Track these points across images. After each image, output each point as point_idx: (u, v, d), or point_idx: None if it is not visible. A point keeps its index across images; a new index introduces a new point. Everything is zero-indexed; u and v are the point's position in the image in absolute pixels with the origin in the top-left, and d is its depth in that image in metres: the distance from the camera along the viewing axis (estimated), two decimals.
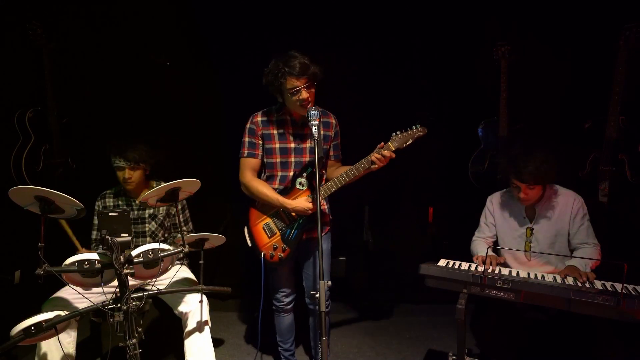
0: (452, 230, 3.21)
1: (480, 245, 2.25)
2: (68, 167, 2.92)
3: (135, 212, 2.33)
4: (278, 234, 2.05)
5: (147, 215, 2.35)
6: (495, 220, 2.26)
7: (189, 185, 1.82)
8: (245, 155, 2.05)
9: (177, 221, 2.41)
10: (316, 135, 1.74)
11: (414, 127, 1.93)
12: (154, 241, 2.36)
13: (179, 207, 2.30)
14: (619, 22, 2.48)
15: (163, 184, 2.42)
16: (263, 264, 2.06)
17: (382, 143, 1.92)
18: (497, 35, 2.83)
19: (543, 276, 1.85)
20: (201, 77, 3.14)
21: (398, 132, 1.94)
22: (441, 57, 2.98)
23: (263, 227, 2.07)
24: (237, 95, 3.12)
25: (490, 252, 2.09)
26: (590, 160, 2.67)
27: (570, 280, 1.82)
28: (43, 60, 2.72)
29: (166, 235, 2.43)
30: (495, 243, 2.29)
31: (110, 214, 1.57)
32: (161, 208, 2.36)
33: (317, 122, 1.76)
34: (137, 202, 2.35)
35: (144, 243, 2.31)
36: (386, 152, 1.89)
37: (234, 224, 3.28)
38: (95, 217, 2.35)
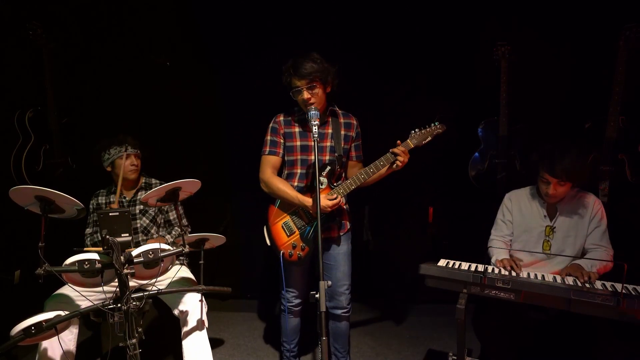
0: (452, 230, 3.21)
1: (499, 248, 2.20)
2: (68, 167, 2.92)
3: None
4: (297, 232, 2.07)
5: (137, 212, 2.37)
6: (512, 217, 2.21)
7: (189, 185, 1.82)
8: (266, 152, 2.09)
9: (176, 216, 2.42)
10: (316, 135, 1.74)
11: (432, 125, 1.96)
12: (147, 237, 2.37)
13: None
14: (619, 22, 2.48)
15: (154, 181, 2.46)
16: (282, 262, 2.07)
17: (399, 141, 1.94)
18: (497, 35, 2.83)
19: (543, 276, 1.85)
20: (201, 77, 3.14)
21: (417, 130, 1.95)
22: (441, 57, 2.98)
23: (282, 226, 2.09)
24: (237, 95, 3.13)
25: (506, 256, 2.09)
26: (590, 160, 2.67)
27: (570, 280, 1.82)
28: (43, 60, 2.72)
29: (159, 232, 2.44)
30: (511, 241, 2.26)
31: (110, 214, 1.57)
32: None
33: (316, 121, 1.76)
34: (127, 198, 2.38)
35: (136, 239, 2.33)
36: (402, 148, 1.91)
37: (234, 224, 3.29)
38: (91, 215, 2.37)
